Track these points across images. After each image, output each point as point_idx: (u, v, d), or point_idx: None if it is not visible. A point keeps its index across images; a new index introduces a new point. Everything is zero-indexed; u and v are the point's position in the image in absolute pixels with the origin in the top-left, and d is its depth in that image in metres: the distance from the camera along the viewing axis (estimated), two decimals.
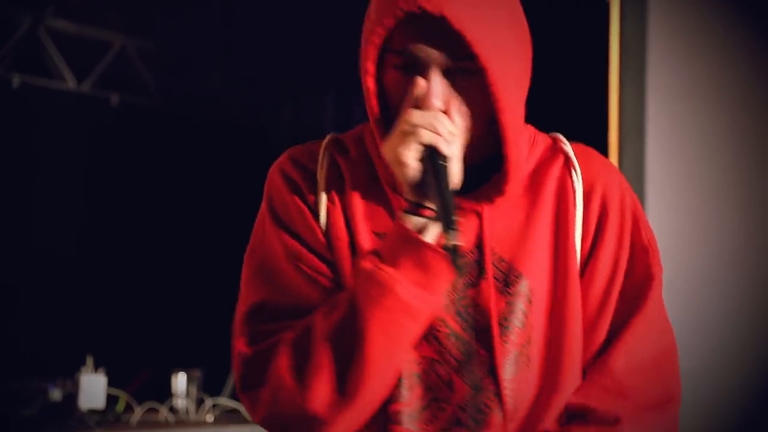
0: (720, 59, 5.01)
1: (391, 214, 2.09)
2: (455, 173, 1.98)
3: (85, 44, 7.09)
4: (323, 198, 2.12)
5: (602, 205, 2.18)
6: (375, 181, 2.13)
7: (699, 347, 4.63)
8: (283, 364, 1.99)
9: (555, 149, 2.23)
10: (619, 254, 2.17)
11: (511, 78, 2.01)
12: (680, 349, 2.22)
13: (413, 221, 1.96)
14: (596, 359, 2.13)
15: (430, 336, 2.05)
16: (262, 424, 2.05)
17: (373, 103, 2.05)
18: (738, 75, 4.99)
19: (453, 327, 2.07)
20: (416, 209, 1.97)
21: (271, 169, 2.20)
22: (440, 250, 1.93)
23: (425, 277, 1.95)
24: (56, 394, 5.77)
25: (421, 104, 1.97)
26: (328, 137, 2.21)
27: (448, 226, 1.88)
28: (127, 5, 7.11)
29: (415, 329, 1.98)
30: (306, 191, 2.13)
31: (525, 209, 2.15)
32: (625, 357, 2.11)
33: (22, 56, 6.92)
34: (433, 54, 1.97)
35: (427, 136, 1.94)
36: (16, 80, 6.74)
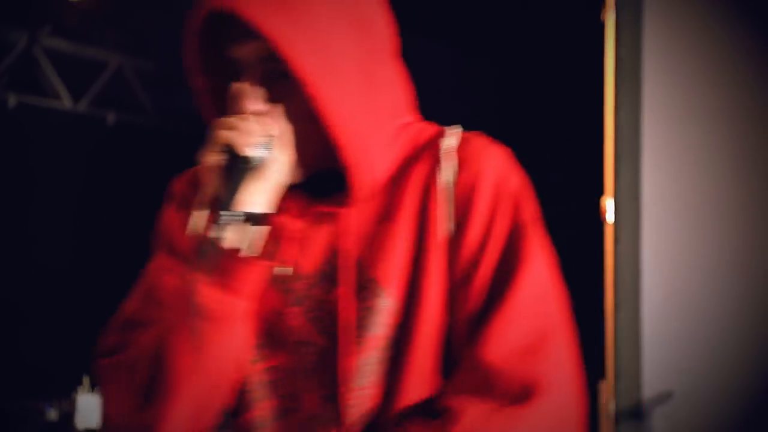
0: (718, 78, 5.01)
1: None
2: (275, 175, 1.96)
3: (81, 63, 7.05)
4: (196, 214, 2.03)
5: (471, 188, 2.07)
6: None
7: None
8: (107, 377, 2.02)
9: (431, 145, 2.14)
10: (488, 234, 2.05)
11: (339, 74, 1.93)
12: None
13: (217, 226, 1.89)
14: (468, 347, 2.01)
15: (283, 344, 2.04)
16: None
17: (206, 112, 2.06)
18: (736, 94, 4.98)
19: (307, 335, 2.05)
20: (221, 215, 1.90)
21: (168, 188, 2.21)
22: (235, 251, 1.92)
23: (224, 278, 1.92)
24: (53, 414, 5.77)
25: (234, 108, 1.94)
26: None
27: (217, 219, 1.87)
28: (123, 24, 7.06)
29: (225, 332, 1.95)
30: (183, 206, 2.13)
31: (384, 212, 2.08)
32: (493, 344, 1.97)
33: (18, 76, 6.91)
34: (243, 55, 1.94)
35: (226, 137, 1.91)
36: (12, 100, 6.78)
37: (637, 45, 5.00)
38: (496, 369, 1.95)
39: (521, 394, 1.94)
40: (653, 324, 4.90)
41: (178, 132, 7.85)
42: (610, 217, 4.96)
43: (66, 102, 7.14)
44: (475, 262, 2.04)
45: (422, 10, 7.36)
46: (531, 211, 2.11)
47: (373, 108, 2.02)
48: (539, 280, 2.04)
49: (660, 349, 4.87)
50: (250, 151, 1.90)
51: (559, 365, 2.00)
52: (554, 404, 1.96)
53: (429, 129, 2.18)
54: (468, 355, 1.99)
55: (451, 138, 2.13)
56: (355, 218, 2.06)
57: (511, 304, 1.99)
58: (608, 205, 4.96)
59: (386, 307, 2.03)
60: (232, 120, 1.92)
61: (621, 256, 4.91)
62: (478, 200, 2.06)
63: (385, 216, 2.07)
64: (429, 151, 2.12)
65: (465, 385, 1.97)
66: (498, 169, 2.10)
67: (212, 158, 1.91)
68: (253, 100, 1.94)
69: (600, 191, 5.06)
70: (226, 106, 1.98)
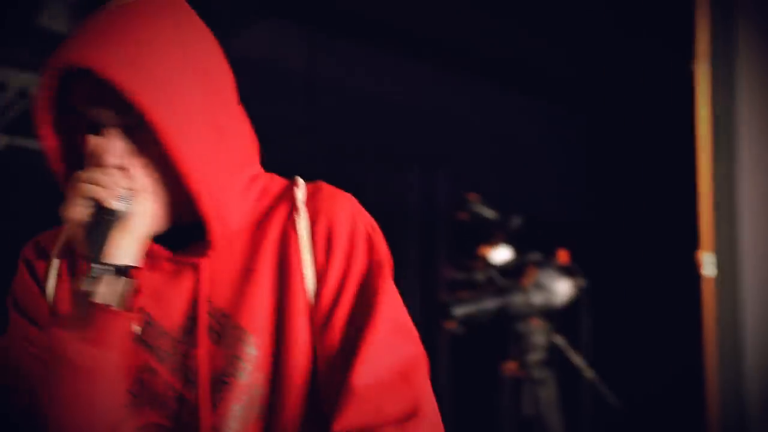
0: None
1: None
2: (140, 227, 1.96)
3: None
4: (53, 274, 2.10)
5: (328, 237, 2.12)
6: None
7: None
8: None
9: (285, 195, 2.17)
10: (347, 273, 2.11)
11: (191, 126, 1.93)
12: None
13: (86, 280, 1.90)
14: (339, 379, 2.03)
15: (153, 402, 2.04)
16: None
17: (55, 166, 2.03)
18: None
19: (176, 391, 2.05)
20: (90, 267, 1.90)
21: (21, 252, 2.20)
22: (105, 305, 1.91)
23: (94, 332, 1.91)
24: None
25: (94, 162, 1.93)
26: None
27: (90, 272, 1.87)
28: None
29: (97, 388, 1.93)
30: (38, 270, 2.12)
31: (246, 260, 2.10)
32: (364, 372, 2.00)
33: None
34: (100, 110, 1.92)
35: (89, 191, 1.91)
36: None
37: (731, 96, 4.84)
38: (375, 394, 1.99)
39: (404, 415, 1.99)
40: (758, 384, 4.76)
41: None
42: (708, 271, 4.82)
43: None
44: (335, 302, 2.08)
45: (509, 64, 7.44)
46: (382, 252, 2.19)
47: (225, 157, 2.03)
48: (397, 313, 2.12)
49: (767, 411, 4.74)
50: (115, 204, 1.91)
51: (428, 389, 2.07)
52: (432, 424, 2.04)
53: (278, 179, 2.23)
54: (343, 387, 2.00)
55: (302, 188, 2.18)
56: (216, 268, 2.08)
57: (376, 335, 2.03)
58: (706, 259, 4.82)
59: (253, 353, 2.05)
60: (94, 173, 1.92)
61: (721, 312, 4.75)
62: (335, 246, 2.11)
63: (247, 265, 2.09)
64: (284, 201, 2.16)
65: (349, 416, 1.98)
66: (349, 215, 2.15)
67: (76, 212, 1.91)
68: (113, 153, 1.93)
69: (695, 245, 5.00)
70: (80, 160, 1.99)
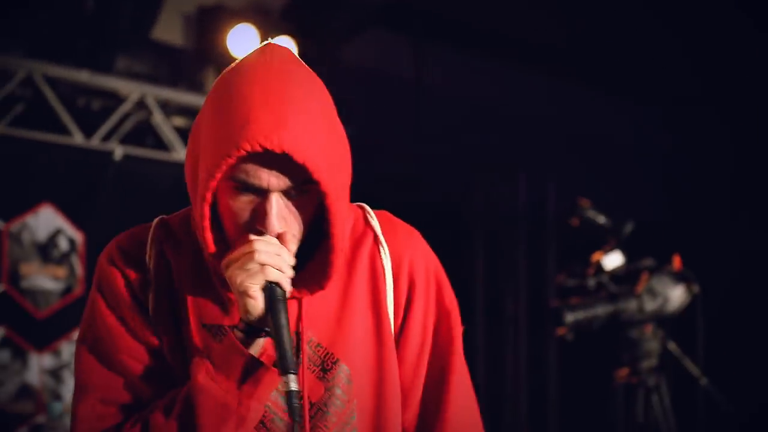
0: None
1: (221, 306, 2.16)
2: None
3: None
4: (151, 288, 2.15)
5: (410, 277, 2.26)
6: (202, 270, 2.16)
7: None
8: None
9: (365, 226, 2.28)
10: (426, 320, 2.27)
11: (341, 188, 2.08)
12: None
13: (244, 335, 2.04)
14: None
15: (260, 425, 2.13)
16: None
17: (207, 235, 2.06)
18: None
19: (279, 414, 2.15)
20: (249, 328, 2.04)
21: (100, 259, 2.21)
22: (265, 363, 2.03)
23: (253, 388, 2.04)
24: None
25: (261, 227, 2.02)
26: (155, 221, 2.26)
27: (286, 370, 1.96)
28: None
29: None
30: (135, 282, 2.15)
31: (340, 292, 2.20)
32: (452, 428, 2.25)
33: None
34: (273, 182, 2.00)
35: (274, 275, 2.01)
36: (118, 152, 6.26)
37: None
38: None
39: None
40: None
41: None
42: None
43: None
44: (420, 344, 2.28)
45: (618, 71, 7.26)
46: (450, 292, 2.34)
47: (348, 200, 2.19)
48: (463, 356, 2.33)
49: None
50: (287, 285, 2.04)
51: None
52: None
53: (355, 209, 2.32)
54: None
55: (375, 219, 2.29)
56: (316, 300, 2.18)
57: (456, 381, 2.29)
58: None
59: (351, 383, 2.18)
60: (274, 255, 2.01)
61: None
62: (416, 292, 2.28)
63: (342, 297, 2.21)
64: (365, 231, 2.27)
65: None
66: (428, 259, 2.32)
67: (257, 287, 2.01)
68: (279, 221, 2.03)
69: None
70: (242, 221, 2.05)
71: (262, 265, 2.01)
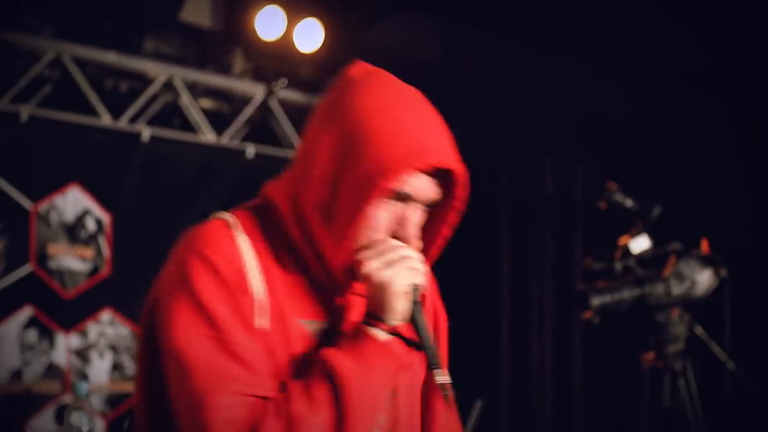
0: None
1: (321, 302, 2.27)
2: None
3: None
4: (250, 284, 2.18)
5: (434, 309, 2.57)
6: (296, 268, 2.26)
7: None
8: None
9: None
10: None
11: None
12: None
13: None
14: None
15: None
16: None
17: (354, 234, 2.18)
18: None
19: None
20: (375, 322, 2.18)
21: (191, 259, 2.19)
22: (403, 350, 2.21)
23: (396, 382, 2.22)
24: None
25: (403, 235, 2.22)
26: (227, 220, 2.28)
27: (436, 365, 2.17)
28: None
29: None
30: (236, 280, 2.17)
31: None
32: None
33: (256, 126, 6.97)
34: (428, 196, 2.23)
35: (420, 279, 2.20)
36: (249, 150, 6.61)
37: None
38: None
39: None
40: None
41: None
42: None
43: None
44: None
45: (646, 55, 7.25)
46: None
47: None
48: None
49: None
50: (423, 289, 2.27)
51: None
52: None
53: None
54: None
55: None
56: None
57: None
58: None
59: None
60: (420, 262, 2.21)
61: None
62: (440, 324, 2.59)
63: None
64: None
65: None
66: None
67: (406, 288, 2.18)
68: (417, 229, 2.24)
69: None
70: (381, 227, 2.20)
71: (416, 270, 2.20)
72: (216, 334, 2.14)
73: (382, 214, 2.20)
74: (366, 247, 2.21)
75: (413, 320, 2.21)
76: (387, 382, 2.19)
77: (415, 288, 2.21)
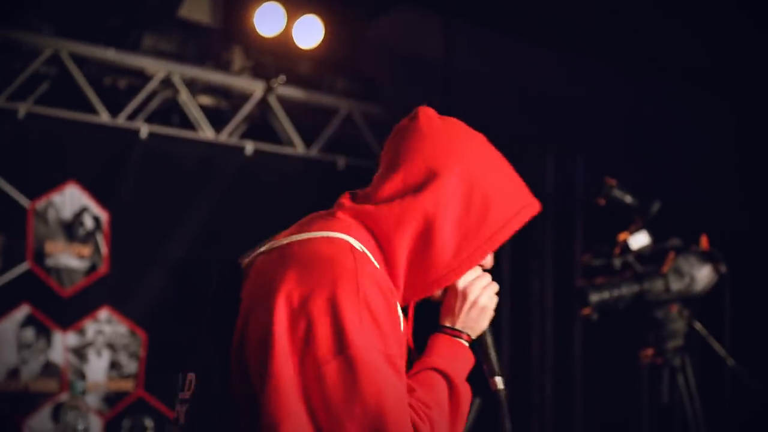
0: None
1: (400, 328, 2.41)
2: None
3: (312, 111, 7.20)
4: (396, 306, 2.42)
5: None
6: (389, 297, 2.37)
7: None
8: None
9: None
10: None
11: None
12: None
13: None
14: None
15: None
16: None
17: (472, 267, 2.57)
18: None
19: None
20: (459, 333, 2.58)
21: (364, 276, 2.30)
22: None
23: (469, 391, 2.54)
24: None
25: (485, 265, 2.65)
26: (356, 244, 2.40)
27: (498, 373, 2.63)
28: (352, 73, 7.19)
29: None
30: (394, 299, 2.39)
31: None
32: None
33: (255, 123, 7.03)
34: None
35: (494, 302, 2.64)
36: (248, 147, 6.69)
37: None
38: None
39: None
40: None
41: None
42: None
43: (299, 148, 7.09)
44: None
45: (643, 49, 7.29)
46: None
47: None
48: None
49: None
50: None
51: None
52: None
53: None
54: None
55: None
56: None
57: None
58: None
59: None
60: (495, 287, 2.65)
61: None
62: None
63: None
64: None
65: None
66: None
67: (486, 321, 2.66)
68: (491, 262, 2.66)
69: None
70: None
71: (496, 297, 2.67)
72: (387, 350, 2.32)
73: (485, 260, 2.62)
74: (468, 276, 2.62)
75: (483, 333, 2.67)
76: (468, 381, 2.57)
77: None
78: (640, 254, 5.04)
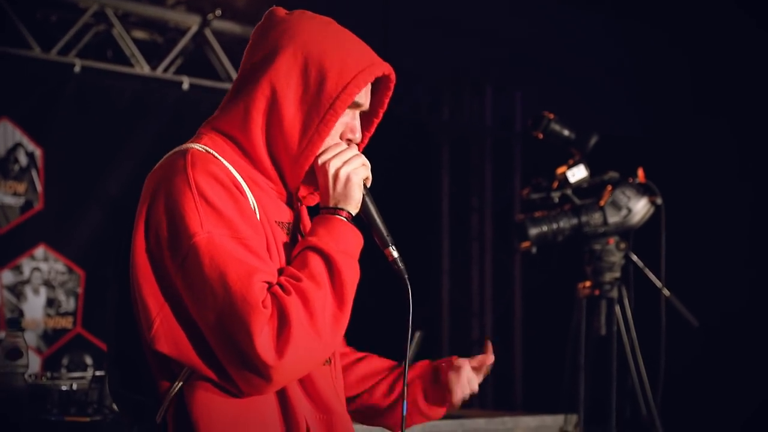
0: None
1: (279, 207, 2.59)
2: None
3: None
4: (248, 193, 2.49)
5: None
6: (258, 180, 2.54)
7: None
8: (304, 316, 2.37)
9: None
10: None
11: None
12: None
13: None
14: None
15: None
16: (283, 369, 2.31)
17: (328, 139, 2.55)
18: None
19: None
20: (338, 210, 2.54)
21: (195, 170, 2.40)
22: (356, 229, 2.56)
23: (358, 253, 2.52)
24: None
25: (353, 137, 2.61)
26: (204, 149, 2.48)
27: (389, 243, 2.63)
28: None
29: None
30: (238, 187, 2.45)
31: None
32: None
33: (191, 58, 6.93)
34: (367, 104, 2.63)
35: (369, 172, 2.60)
36: (185, 82, 6.56)
37: None
38: None
39: None
40: None
41: None
42: None
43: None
44: None
45: None
46: None
47: None
48: None
49: None
50: (369, 182, 2.62)
51: None
52: None
53: None
54: None
55: None
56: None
57: None
58: None
59: None
60: (358, 156, 2.58)
61: None
62: None
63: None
64: None
65: None
66: None
67: (358, 192, 2.56)
68: (359, 131, 2.64)
69: None
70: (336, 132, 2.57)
71: (365, 165, 2.59)
72: (233, 233, 2.39)
73: (341, 120, 2.57)
74: (325, 152, 2.56)
75: (365, 206, 2.61)
76: (357, 254, 2.53)
77: (365, 180, 2.60)
78: (578, 187, 5.08)
